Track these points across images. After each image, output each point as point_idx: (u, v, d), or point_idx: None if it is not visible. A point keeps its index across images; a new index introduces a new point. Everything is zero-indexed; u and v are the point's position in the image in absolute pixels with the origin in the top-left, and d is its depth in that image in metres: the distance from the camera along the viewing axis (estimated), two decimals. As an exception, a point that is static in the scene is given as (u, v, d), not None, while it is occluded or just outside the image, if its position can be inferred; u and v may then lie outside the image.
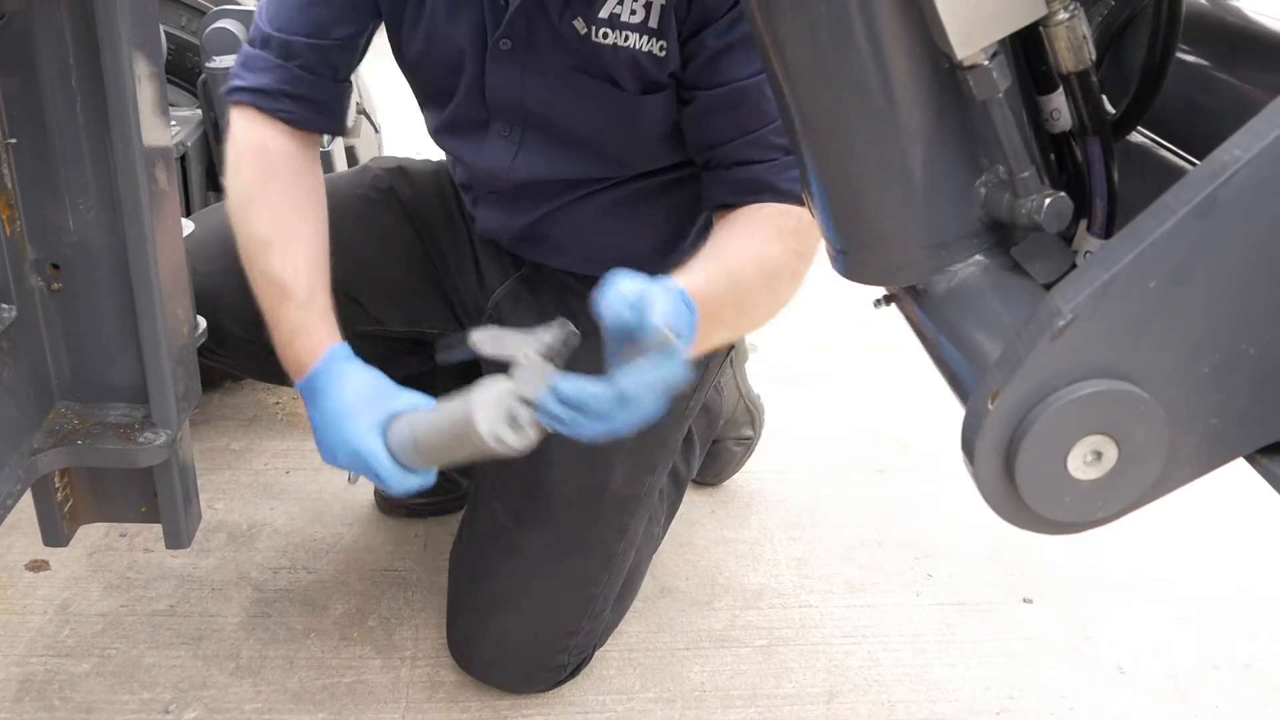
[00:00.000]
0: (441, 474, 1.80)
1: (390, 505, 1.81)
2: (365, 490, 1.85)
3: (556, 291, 1.47)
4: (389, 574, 1.68)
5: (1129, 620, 1.67)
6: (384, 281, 1.52)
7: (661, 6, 1.20)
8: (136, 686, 1.46)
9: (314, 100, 1.32)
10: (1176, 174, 0.82)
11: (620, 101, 1.27)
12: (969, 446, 0.64)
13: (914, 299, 0.78)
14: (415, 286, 1.54)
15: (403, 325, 1.55)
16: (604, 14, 1.21)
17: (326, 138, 1.92)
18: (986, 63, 0.65)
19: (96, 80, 0.97)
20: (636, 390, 0.98)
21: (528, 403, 1.02)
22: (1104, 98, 0.72)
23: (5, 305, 1.06)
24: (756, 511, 1.88)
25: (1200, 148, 0.80)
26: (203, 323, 1.26)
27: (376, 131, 2.18)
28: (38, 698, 1.44)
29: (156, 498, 1.22)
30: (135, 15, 0.96)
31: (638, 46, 1.22)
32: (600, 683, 1.50)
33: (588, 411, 0.99)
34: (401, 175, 1.56)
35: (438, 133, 1.45)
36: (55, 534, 1.24)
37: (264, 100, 1.30)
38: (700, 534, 1.81)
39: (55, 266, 1.08)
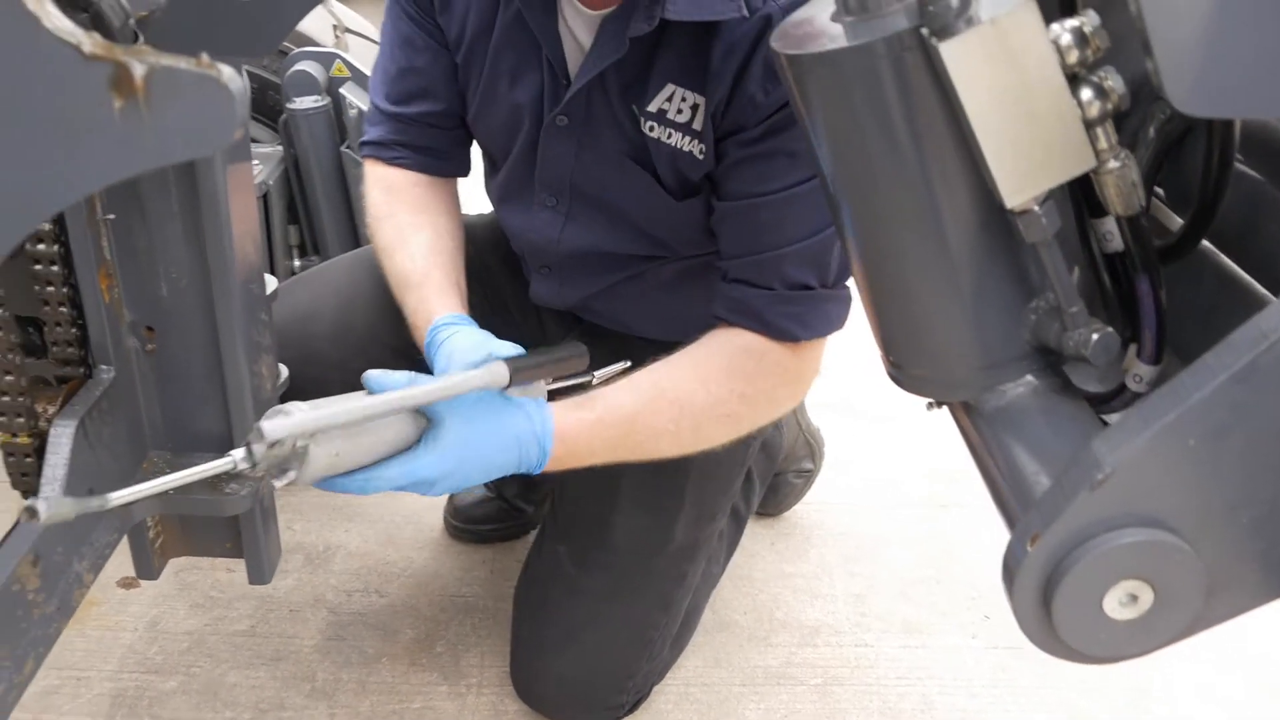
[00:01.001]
0: (507, 501, 1.87)
1: (458, 531, 1.87)
2: (435, 515, 1.92)
3: (619, 345, 1.50)
4: (456, 600, 1.74)
5: (1189, 677, 1.67)
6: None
7: (703, 110, 1.21)
8: (220, 705, 1.54)
9: (430, 148, 1.39)
10: (1233, 283, 0.83)
11: (662, 197, 1.30)
12: (1009, 579, 0.67)
13: (965, 411, 0.80)
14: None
15: None
16: (653, 108, 1.23)
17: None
18: (1037, 209, 0.67)
19: (190, 173, 1.03)
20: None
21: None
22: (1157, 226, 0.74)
23: (105, 366, 1.13)
24: (816, 544, 1.91)
25: (1258, 264, 0.81)
26: (285, 371, 1.33)
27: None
28: (129, 713, 1.52)
29: (240, 537, 1.29)
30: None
31: (680, 145, 1.24)
32: (656, 716, 1.55)
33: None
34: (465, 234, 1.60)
35: (494, 199, 1.49)
36: (147, 568, 1.32)
37: (383, 151, 1.39)
38: (760, 567, 1.85)
39: (150, 329, 1.15)
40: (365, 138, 1.42)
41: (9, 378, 1.04)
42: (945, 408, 0.85)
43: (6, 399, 1.05)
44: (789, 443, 1.89)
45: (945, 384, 0.78)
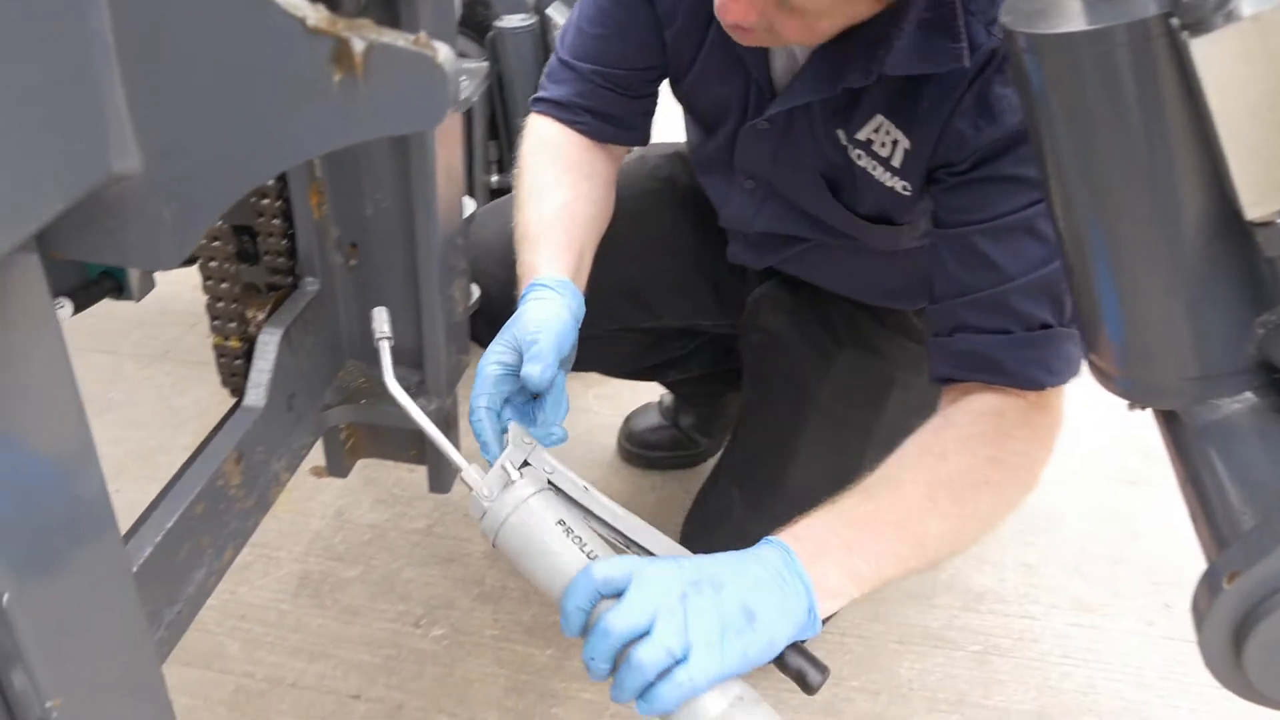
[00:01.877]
0: (682, 431, 1.89)
1: (630, 454, 1.90)
2: (609, 436, 1.95)
3: (813, 298, 1.48)
4: (623, 522, 1.78)
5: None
6: (666, 281, 1.55)
7: (906, 151, 1.14)
8: (394, 598, 1.63)
9: (612, 115, 1.34)
10: None
11: (850, 218, 1.26)
12: (1198, 614, 0.63)
13: (1171, 420, 0.75)
14: (693, 281, 1.56)
15: (679, 321, 1.59)
16: (861, 136, 1.17)
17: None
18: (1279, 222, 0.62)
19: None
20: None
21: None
22: None
23: (311, 279, 1.18)
24: (990, 507, 1.85)
25: None
26: (476, 291, 1.36)
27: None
28: (312, 595, 1.63)
29: (424, 446, 1.35)
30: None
31: (883, 180, 1.18)
32: (810, 664, 1.55)
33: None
34: (680, 162, 1.57)
35: (695, 163, 1.46)
36: (338, 466, 1.40)
37: (563, 112, 1.33)
38: (929, 524, 1.81)
39: (353, 246, 1.19)
40: (543, 94, 1.36)
41: (224, 285, 1.10)
42: (1148, 411, 0.80)
43: (221, 305, 1.11)
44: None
45: (1155, 390, 0.74)
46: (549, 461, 0.99)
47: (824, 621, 0.93)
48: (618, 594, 0.86)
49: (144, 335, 2.23)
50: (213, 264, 1.08)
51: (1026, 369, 1.07)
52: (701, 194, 1.52)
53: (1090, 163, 0.68)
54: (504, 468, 0.95)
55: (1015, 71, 0.70)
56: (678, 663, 0.82)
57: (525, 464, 0.97)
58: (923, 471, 1.03)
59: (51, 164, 0.48)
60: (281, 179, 1.13)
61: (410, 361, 1.28)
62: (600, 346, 1.60)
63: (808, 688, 0.92)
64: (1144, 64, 0.60)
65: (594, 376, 2.06)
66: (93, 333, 2.22)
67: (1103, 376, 0.76)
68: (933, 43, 1.04)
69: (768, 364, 1.50)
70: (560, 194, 1.28)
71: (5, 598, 0.54)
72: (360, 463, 1.86)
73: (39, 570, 0.57)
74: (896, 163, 1.16)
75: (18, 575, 0.54)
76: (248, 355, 1.13)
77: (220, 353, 1.14)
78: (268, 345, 1.11)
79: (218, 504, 1.02)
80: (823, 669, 0.92)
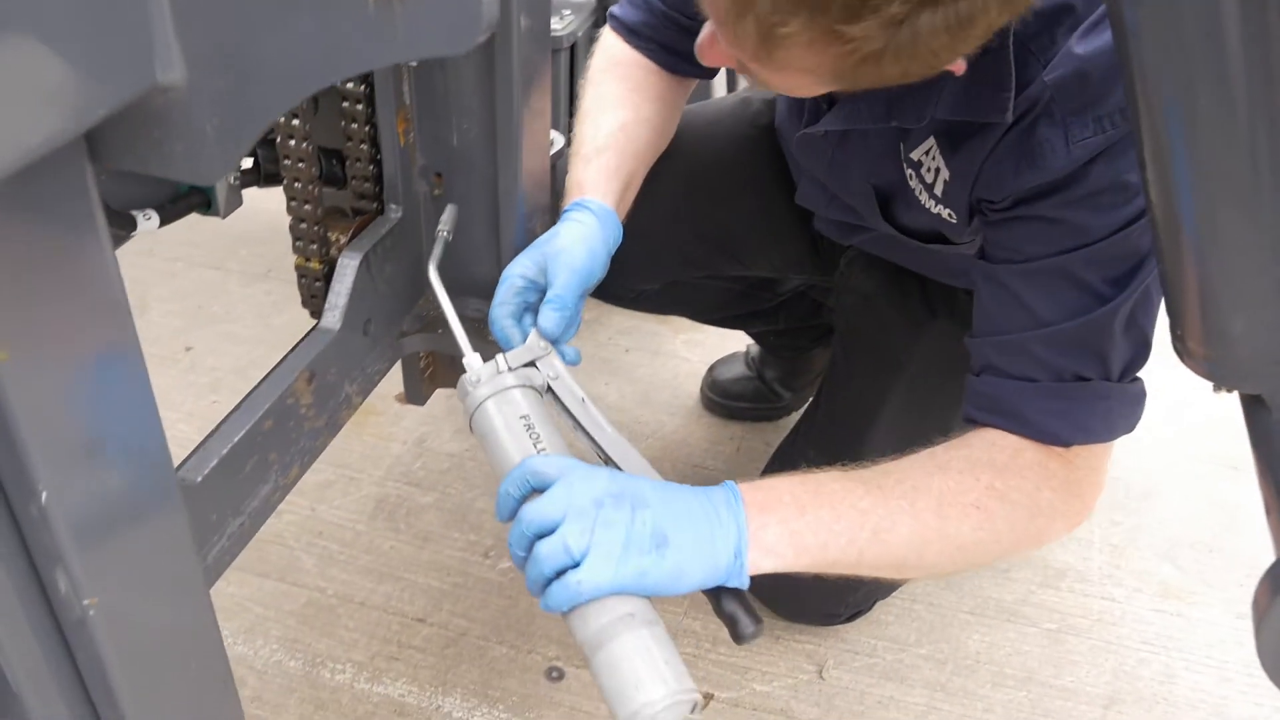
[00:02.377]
0: (765, 383, 1.87)
1: (712, 403, 1.89)
2: (693, 384, 1.94)
3: (893, 274, 1.43)
4: (699, 470, 1.77)
5: None
6: (760, 234, 1.52)
7: (946, 182, 1.09)
8: (466, 527, 1.66)
9: (678, 50, 1.30)
10: None
11: (899, 237, 1.21)
12: (1258, 610, 0.60)
13: (1256, 404, 0.71)
14: (789, 236, 1.52)
15: (770, 273, 1.57)
16: (915, 155, 1.11)
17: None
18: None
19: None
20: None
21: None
22: None
23: (394, 206, 1.19)
24: (1080, 483, 1.79)
25: None
26: (560, 229, 1.36)
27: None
28: (388, 518, 1.67)
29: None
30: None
31: (927, 205, 1.13)
32: (875, 626, 1.53)
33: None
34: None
35: (778, 117, 1.43)
36: (416, 395, 1.42)
37: (632, 37, 1.31)
38: (1014, 495, 1.76)
39: (439, 175, 1.19)
40: (617, 12, 1.33)
41: (308, 206, 1.11)
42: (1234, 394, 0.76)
43: (304, 226, 1.13)
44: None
45: (1239, 372, 0.69)
46: (557, 369, 1.03)
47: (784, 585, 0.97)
48: (546, 489, 0.88)
49: (251, 253, 2.29)
50: (297, 184, 1.09)
51: (1047, 421, 1.00)
52: None
53: (1185, 107, 0.63)
54: (497, 360, 1.00)
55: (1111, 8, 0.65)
56: (575, 565, 0.84)
57: (531, 365, 1.03)
58: (915, 474, 0.99)
59: (98, 70, 0.48)
60: (369, 104, 1.13)
61: (488, 293, 1.28)
62: (686, 292, 1.58)
63: (737, 636, 0.90)
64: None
65: (682, 322, 2.05)
66: (202, 247, 2.29)
67: (1186, 354, 0.72)
68: (981, 92, 0.98)
69: (857, 326, 1.46)
70: (620, 114, 1.26)
71: (44, 496, 0.56)
72: (444, 393, 1.89)
73: (79, 470, 0.58)
74: (939, 191, 1.11)
75: (57, 473, 0.56)
76: (327, 278, 1.14)
77: (301, 274, 1.16)
78: (346, 269, 1.12)
79: (287, 421, 1.04)
80: (756, 620, 0.90)
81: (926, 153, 1.10)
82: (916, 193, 1.14)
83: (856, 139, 1.19)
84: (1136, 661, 1.50)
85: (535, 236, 1.23)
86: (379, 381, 1.21)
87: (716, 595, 0.92)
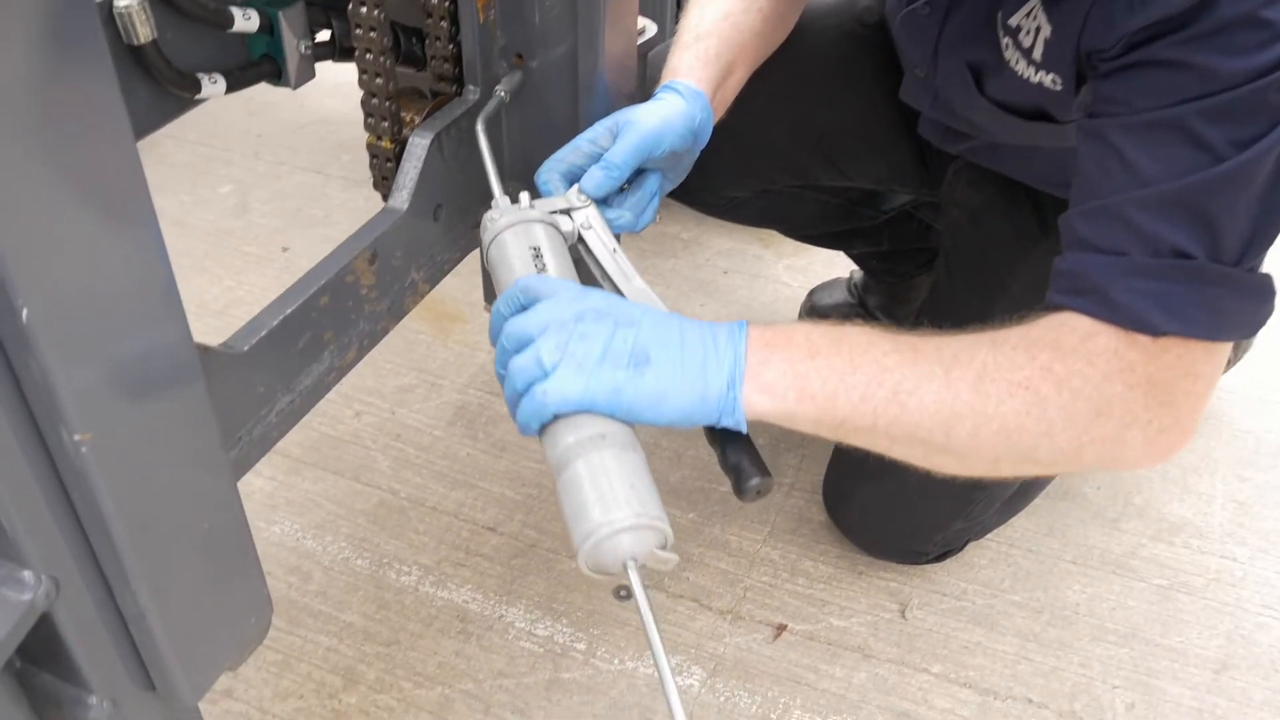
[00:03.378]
0: (867, 311, 1.77)
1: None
2: (792, 308, 1.85)
3: (1003, 187, 1.31)
4: (791, 397, 1.69)
5: None
6: (862, 139, 1.41)
7: (1046, 40, 0.96)
8: (545, 440, 1.61)
9: None
10: None
11: (1003, 116, 1.09)
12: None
13: None
14: (893, 143, 1.41)
15: (872, 184, 1.46)
16: (1014, 21, 1.00)
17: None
18: None
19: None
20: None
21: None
22: None
23: (473, 87, 1.13)
24: (1206, 434, 1.65)
25: None
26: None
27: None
28: (466, 426, 1.63)
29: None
30: None
31: (1025, 74, 1.01)
32: (967, 568, 1.44)
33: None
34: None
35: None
36: (493, 295, 1.37)
37: None
38: (1130, 443, 1.63)
39: (519, 56, 1.13)
40: None
41: (379, 80, 1.06)
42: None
43: (375, 101, 1.07)
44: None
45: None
46: (590, 219, 1.00)
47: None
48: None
49: (353, 159, 2.27)
50: (368, 55, 1.04)
51: (1135, 302, 0.82)
52: None
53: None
54: (522, 197, 0.99)
55: None
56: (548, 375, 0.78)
57: (565, 212, 1.00)
58: (959, 344, 0.85)
59: None
60: (450, -24, 1.07)
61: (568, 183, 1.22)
62: (783, 203, 1.49)
63: (740, 490, 0.83)
64: None
65: (785, 245, 1.96)
66: (305, 152, 2.28)
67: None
68: None
69: (961, 244, 1.35)
70: (727, 3, 1.17)
71: (25, 314, 0.51)
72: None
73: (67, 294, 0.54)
74: (1037, 55, 0.98)
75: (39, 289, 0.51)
76: (399, 158, 1.10)
77: (373, 153, 1.11)
78: (417, 148, 1.07)
79: (345, 300, 1.00)
80: (764, 474, 0.82)
81: (1028, 14, 0.98)
82: (1013, 63, 1.03)
83: (956, 14, 1.09)
84: (1254, 626, 1.37)
85: (618, 125, 1.16)
86: (448, 271, 1.16)
87: (721, 444, 0.85)
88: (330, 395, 1.66)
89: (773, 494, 1.53)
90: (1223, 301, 0.82)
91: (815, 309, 1.80)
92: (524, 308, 0.84)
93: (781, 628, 1.35)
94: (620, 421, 0.80)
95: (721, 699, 1.28)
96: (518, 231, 0.96)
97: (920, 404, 0.82)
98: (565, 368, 0.78)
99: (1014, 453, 0.84)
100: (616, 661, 1.32)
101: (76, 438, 0.56)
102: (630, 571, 0.74)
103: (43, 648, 0.66)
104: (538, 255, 0.93)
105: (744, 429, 0.83)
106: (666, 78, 1.11)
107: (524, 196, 1.00)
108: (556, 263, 0.93)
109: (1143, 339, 0.82)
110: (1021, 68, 1.02)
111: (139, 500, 0.63)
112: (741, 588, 1.40)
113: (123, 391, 0.59)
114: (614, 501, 0.74)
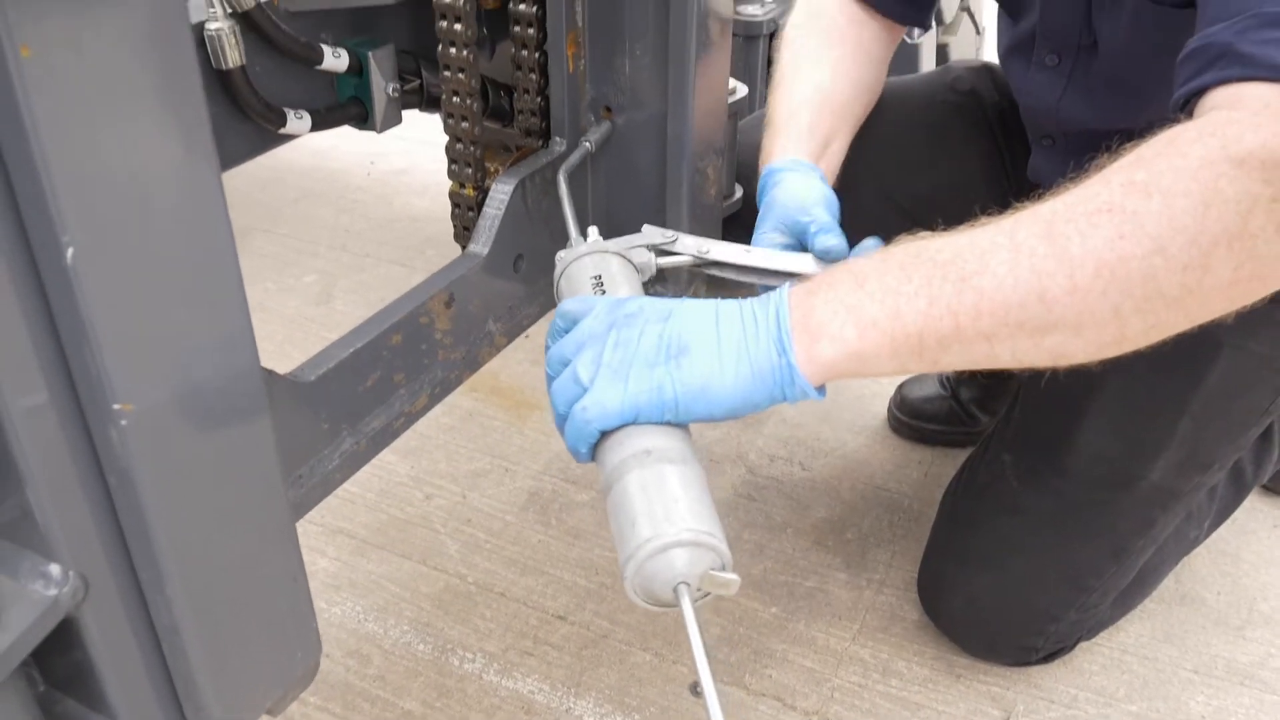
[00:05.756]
0: (960, 404, 1.68)
1: (900, 424, 1.71)
2: (880, 403, 1.77)
3: None
4: (881, 492, 1.60)
5: None
6: (951, 201, 1.34)
7: None
8: (621, 528, 1.54)
9: None
10: None
11: (1176, 22, 0.96)
12: None
13: None
14: (982, 205, 1.36)
15: None
16: None
17: (916, 31, 1.80)
18: None
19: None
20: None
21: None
22: None
23: (559, 139, 1.10)
24: (1338, 544, 1.52)
25: None
26: (739, 191, 1.24)
27: (978, 33, 2.01)
28: (539, 512, 1.56)
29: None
30: None
31: None
32: (1076, 674, 1.31)
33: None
34: (987, 75, 1.38)
35: (1001, 55, 1.27)
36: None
37: None
38: (1253, 548, 1.50)
39: (608, 109, 1.11)
40: None
41: (465, 124, 1.04)
42: None
43: (460, 146, 1.05)
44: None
45: None
46: (674, 237, 0.97)
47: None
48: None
49: (438, 254, 2.27)
50: (456, 99, 1.02)
51: (1267, 49, 0.70)
52: (1007, 113, 1.33)
53: None
54: (591, 231, 0.97)
55: None
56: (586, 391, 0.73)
57: (651, 248, 0.96)
58: (1028, 209, 0.73)
59: None
60: (540, 28, 1.06)
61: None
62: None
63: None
64: None
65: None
66: (392, 245, 2.29)
67: None
68: None
69: None
70: (817, 74, 1.15)
71: (70, 253, 0.47)
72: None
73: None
74: None
75: (85, 227, 0.47)
76: (480, 207, 1.07)
77: (455, 201, 1.08)
78: (500, 194, 1.04)
79: (418, 342, 0.96)
80: None
81: None
82: None
83: None
84: None
85: (705, 180, 1.12)
86: (527, 327, 1.12)
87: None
88: (401, 477, 1.62)
89: (862, 589, 1.43)
90: None
91: (905, 403, 1.71)
92: (566, 331, 0.81)
93: (873, 733, 1.24)
94: (672, 431, 0.74)
95: (806, 807, 1.16)
96: (583, 263, 0.92)
97: (996, 280, 0.70)
98: (602, 379, 0.73)
99: (1130, 290, 0.69)
100: (691, 761, 1.21)
101: (117, 407, 0.51)
102: (681, 597, 0.66)
103: (66, 664, 0.60)
104: (598, 283, 0.89)
105: (819, 396, 0.74)
106: (764, 163, 1.09)
107: (592, 231, 0.97)
108: (617, 287, 0.89)
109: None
110: None
111: (182, 498, 0.58)
112: (829, 687, 1.29)
113: (170, 379, 0.55)
114: (660, 517, 0.67)
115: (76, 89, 0.46)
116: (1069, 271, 0.69)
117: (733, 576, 0.67)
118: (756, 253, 0.96)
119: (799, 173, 1.05)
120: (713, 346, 0.73)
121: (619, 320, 0.76)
